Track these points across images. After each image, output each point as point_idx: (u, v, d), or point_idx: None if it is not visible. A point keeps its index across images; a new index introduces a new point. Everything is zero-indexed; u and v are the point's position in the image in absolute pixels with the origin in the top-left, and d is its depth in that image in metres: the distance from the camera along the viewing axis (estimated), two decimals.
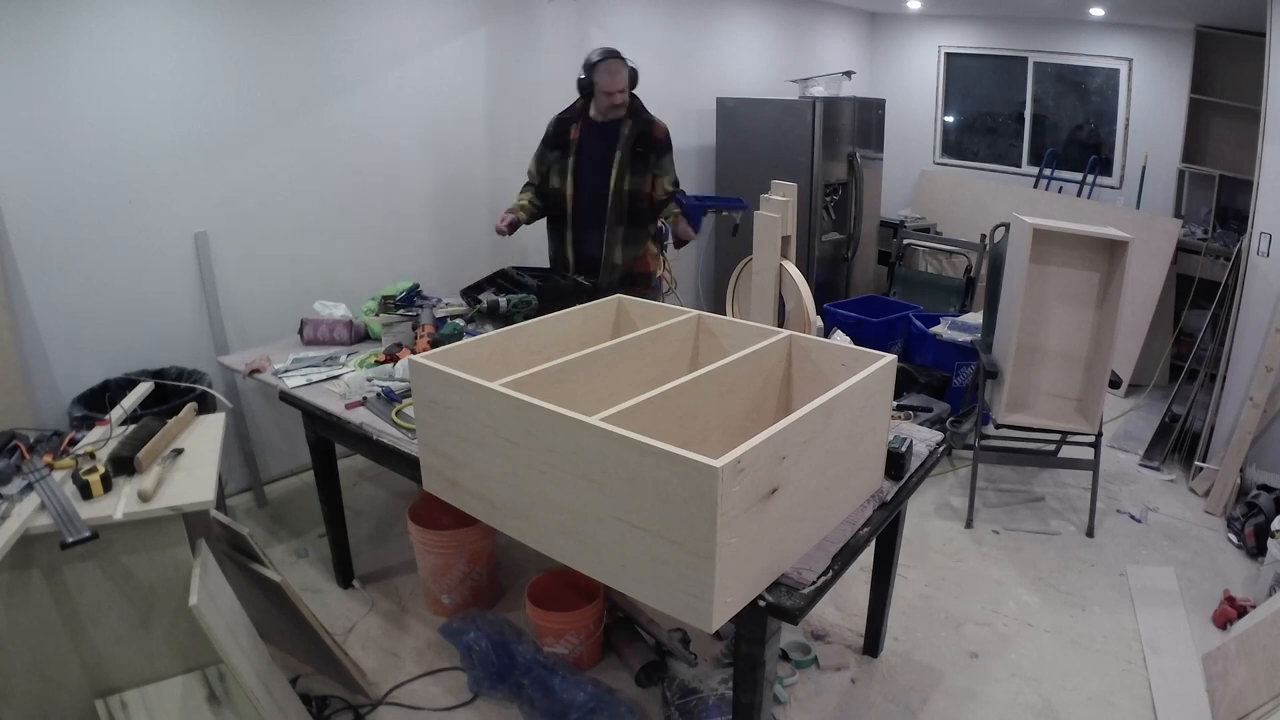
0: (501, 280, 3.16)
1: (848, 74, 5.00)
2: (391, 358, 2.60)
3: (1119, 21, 5.15)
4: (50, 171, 2.65)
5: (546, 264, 3.53)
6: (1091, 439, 3.12)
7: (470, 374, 1.70)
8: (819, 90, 4.81)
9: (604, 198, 3.20)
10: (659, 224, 3.41)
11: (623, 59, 3.11)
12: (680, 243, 3.30)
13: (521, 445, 1.60)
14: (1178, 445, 3.79)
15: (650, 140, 3.19)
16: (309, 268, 3.39)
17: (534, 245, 4.18)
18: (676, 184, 3.28)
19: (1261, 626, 2.32)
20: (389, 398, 2.36)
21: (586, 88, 3.18)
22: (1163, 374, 4.62)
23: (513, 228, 3.23)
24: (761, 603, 1.52)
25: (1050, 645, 2.54)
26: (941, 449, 2.16)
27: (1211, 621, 2.62)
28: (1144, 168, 5.25)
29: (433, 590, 2.63)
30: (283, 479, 3.54)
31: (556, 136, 3.28)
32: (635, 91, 3.24)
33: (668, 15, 4.73)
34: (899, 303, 4.53)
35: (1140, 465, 3.76)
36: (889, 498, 1.89)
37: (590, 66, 3.12)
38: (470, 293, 3.13)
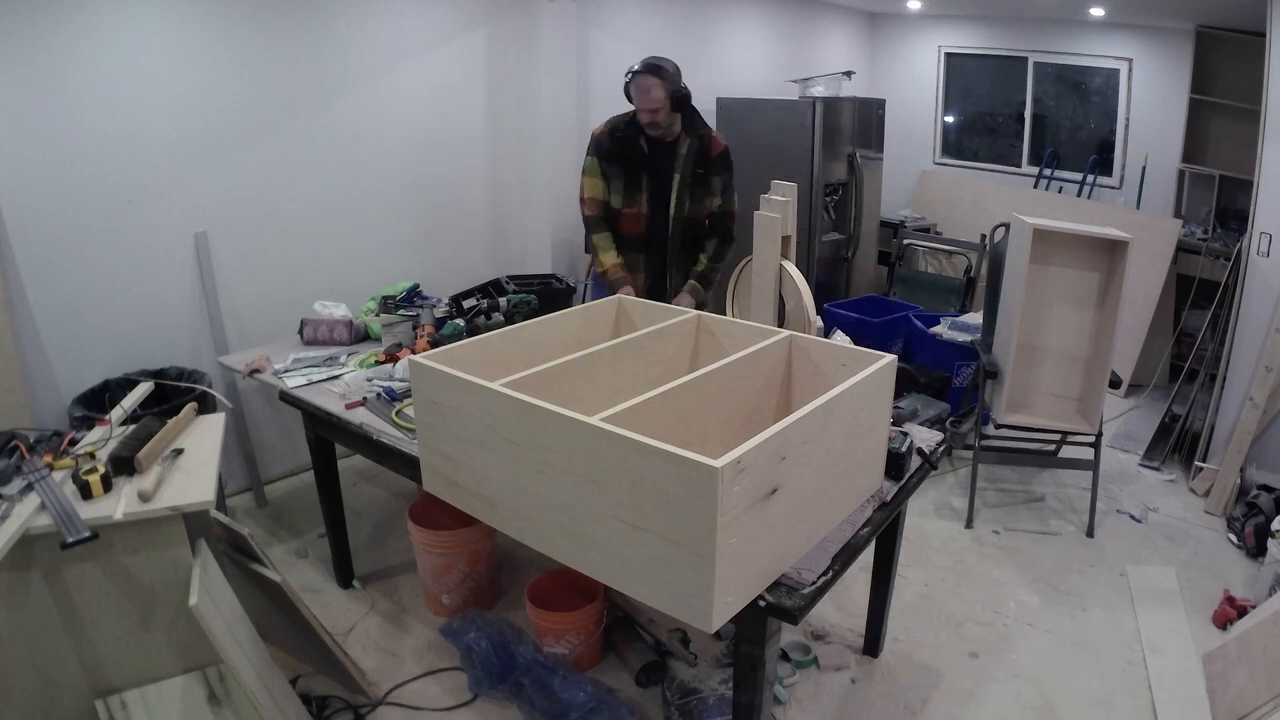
0: (493, 290, 3.10)
1: (848, 74, 4.99)
2: (391, 358, 2.60)
3: (1119, 21, 5.15)
4: (50, 171, 2.65)
5: (549, 272, 3.44)
6: (1091, 439, 3.12)
7: (470, 374, 1.70)
8: (819, 90, 4.81)
9: (667, 222, 3.00)
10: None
11: (658, 75, 2.79)
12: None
13: (521, 445, 1.60)
14: (1178, 445, 3.79)
15: (707, 159, 2.97)
16: (309, 268, 3.39)
17: (532, 249, 4.18)
18: (733, 209, 3.09)
19: (1261, 626, 2.32)
20: (389, 398, 2.36)
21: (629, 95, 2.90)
22: (1163, 374, 4.62)
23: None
24: (761, 603, 1.52)
25: (1050, 645, 2.54)
26: (941, 449, 2.16)
27: (1211, 621, 2.62)
28: (1144, 168, 5.25)
29: (433, 590, 2.63)
30: (283, 479, 3.54)
31: (619, 150, 2.93)
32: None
33: (668, 15, 4.73)
34: (899, 303, 4.53)
35: (1140, 465, 3.76)
36: (889, 498, 1.89)
37: (628, 78, 2.86)
38: (458, 300, 3.01)
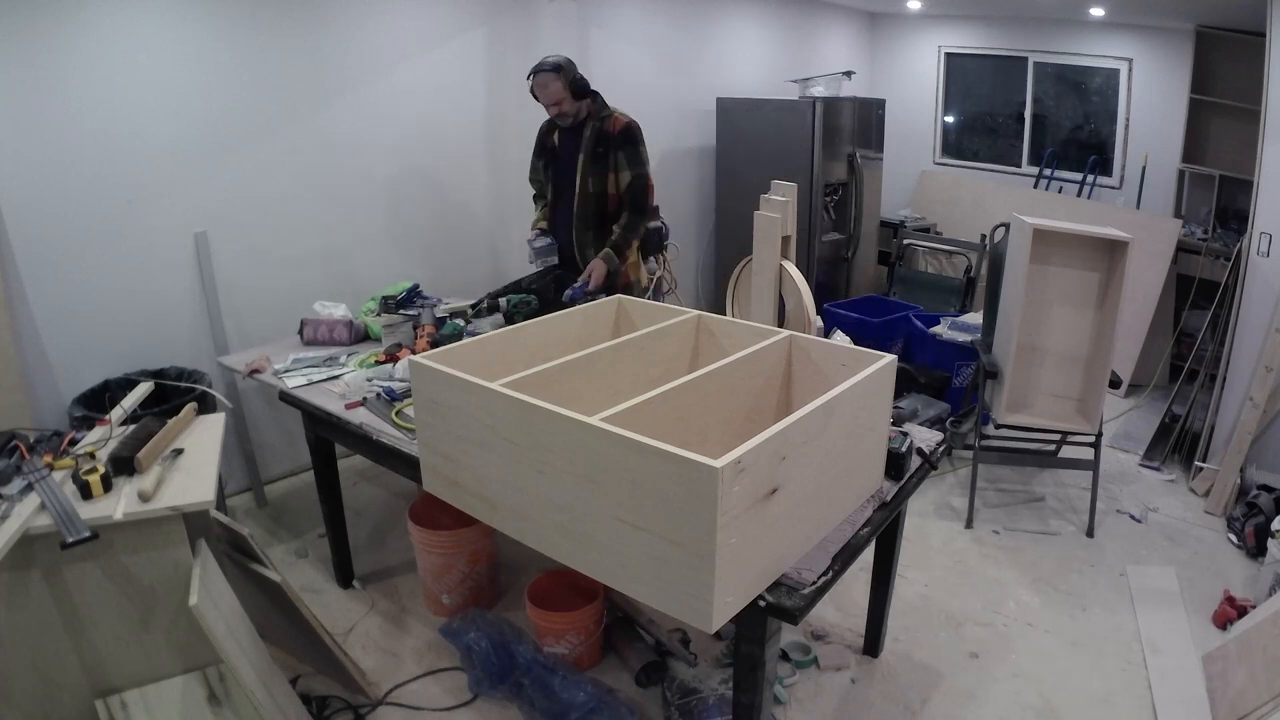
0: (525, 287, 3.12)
1: (848, 74, 5.00)
2: (391, 358, 2.60)
3: (1119, 21, 5.15)
4: (50, 171, 2.65)
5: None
6: (1091, 439, 3.12)
7: (470, 374, 1.70)
8: (819, 90, 4.81)
9: (573, 202, 3.17)
10: (659, 223, 3.38)
11: (552, 71, 2.97)
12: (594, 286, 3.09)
13: (521, 445, 1.60)
14: (1178, 445, 3.79)
15: (606, 138, 3.10)
16: (309, 268, 3.39)
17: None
18: (641, 178, 3.12)
19: (1261, 626, 2.32)
20: (389, 398, 2.36)
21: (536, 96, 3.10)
22: (1163, 374, 4.62)
23: (545, 239, 3.25)
24: (761, 603, 1.52)
25: (1050, 645, 2.54)
26: (941, 449, 2.16)
27: (1211, 621, 2.62)
28: (1144, 168, 5.25)
29: (433, 590, 2.63)
30: (283, 479, 3.54)
31: (540, 145, 3.31)
32: (599, 91, 3.14)
33: (668, 15, 4.73)
34: (899, 303, 4.53)
35: (1140, 465, 3.76)
36: (889, 498, 1.89)
37: (529, 82, 3.04)
38: (494, 296, 3.04)
